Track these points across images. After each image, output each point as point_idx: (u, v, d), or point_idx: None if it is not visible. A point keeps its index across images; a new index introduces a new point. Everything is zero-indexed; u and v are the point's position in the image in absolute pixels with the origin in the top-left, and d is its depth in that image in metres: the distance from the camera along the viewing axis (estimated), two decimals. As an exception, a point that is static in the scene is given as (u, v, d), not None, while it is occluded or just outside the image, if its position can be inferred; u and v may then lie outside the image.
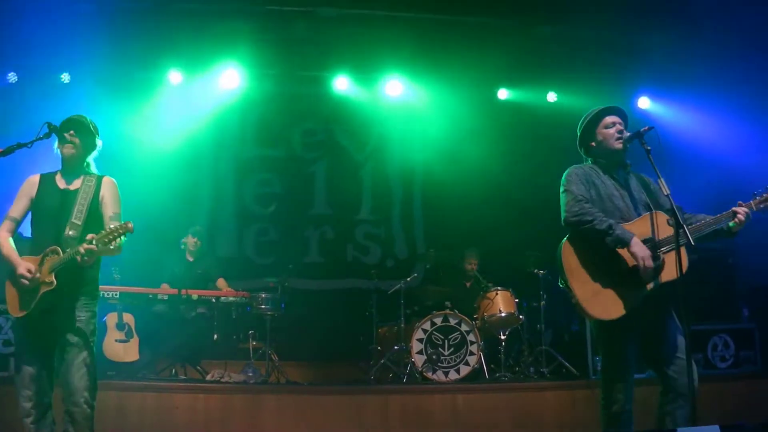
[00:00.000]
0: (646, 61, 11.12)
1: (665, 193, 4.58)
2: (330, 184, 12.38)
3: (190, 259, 9.80)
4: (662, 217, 4.74)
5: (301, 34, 10.85)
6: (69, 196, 5.16)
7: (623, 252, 4.69)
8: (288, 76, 11.58)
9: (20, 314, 4.94)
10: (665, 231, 4.68)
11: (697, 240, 4.57)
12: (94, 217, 5.16)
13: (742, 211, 4.75)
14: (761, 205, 4.81)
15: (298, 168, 12.37)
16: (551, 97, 11.96)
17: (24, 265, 4.92)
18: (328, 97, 12.02)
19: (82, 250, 4.80)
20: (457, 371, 8.83)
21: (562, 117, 10.61)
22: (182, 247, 9.75)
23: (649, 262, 4.59)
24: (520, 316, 9.39)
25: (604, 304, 4.68)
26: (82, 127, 5.21)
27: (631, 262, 4.66)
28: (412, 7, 10.39)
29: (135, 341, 8.84)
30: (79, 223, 5.06)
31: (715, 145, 10.37)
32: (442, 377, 8.79)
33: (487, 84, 11.83)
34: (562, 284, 4.89)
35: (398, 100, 11.89)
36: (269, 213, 12.13)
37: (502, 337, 9.20)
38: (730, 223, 4.76)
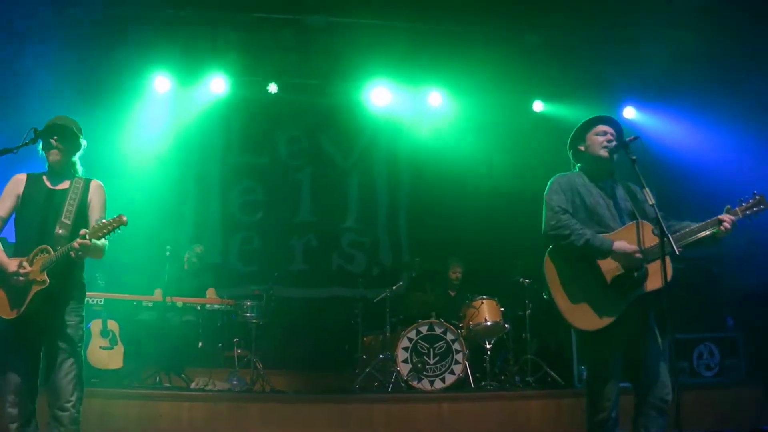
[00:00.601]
0: (632, 71, 11.15)
1: (650, 203, 4.58)
2: (315, 191, 12.35)
3: (187, 268, 9.80)
4: (648, 227, 4.75)
5: (288, 41, 10.85)
6: (57, 196, 5.17)
7: (604, 264, 4.71)
8: (274, 83, 11.55)
9: (11, 315, 4.90)
10: (650, 240, 4.68)
11: (683, 247, 4.58)
12: (82, 219, 5.18)
13: (728, 219, 4.75)
14: (747, 212, 4.82)
15: (283, 175, 12.33)
16: (537, 106, 11.99)
17: (14, 263, 4.89)
18: (313, 105, 12.03)
19: (76, 245, 4.81)
20: (443, 380, 8.80)
21: (549, 126, 10.68)
22: (167, 254, 9.67)
23: (638, 255, 4.62)
24: (506, 325, 9.37)
25: (587, 316, 4.70)
26: (66, 131, 5.22)
27: (610, 273, 4.68)
28: (399, 15, 10.43)
29: (119, 348, 8.78)
30: (69, 222, 5.08)
31: (702, 154, 10.40)
32: (428, 386, 8.76)
33: (475, 92, 11.83)
34: (546, 296, 4.91)
35: (384, 108, 11.89)
36: (254, 221, 12.09)
37: (488, 346, 9.20)
38: (715, 230, 4.77)
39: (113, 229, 4.89)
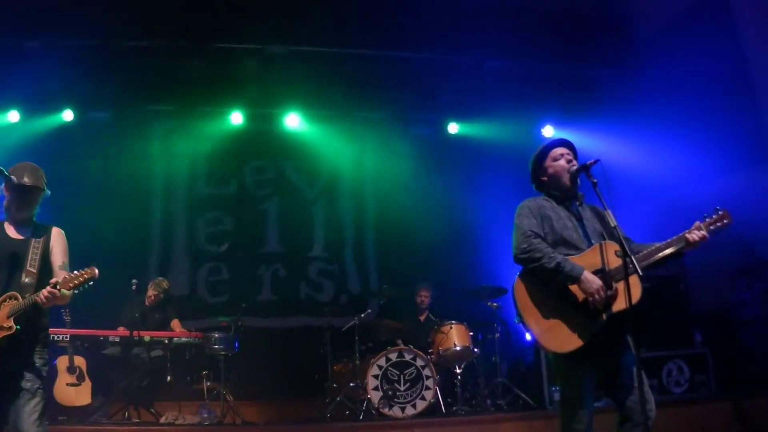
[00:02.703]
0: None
1: (612, 225, 4.57)
2: (282, 221, 12.34)
3: (148, 303, 9.68)
4: (612, 248, 4.73)
5: (251, 71, 10.88)
6: (20, 245, 5.14)
7: (574, 287, 4.71)
8: (238, 112, 11.56)
9: None
10: (615, 261, 4.68)
11: (647, 267, 4.59)
12: (47, 266, 5.16)
13: (699, 235, 4.76)
14: (712, 227, 4.82)
15: (249, 206, 12.32)
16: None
17: None
18: (278, 135, 12.04)
19: (46, 293, 4.79)
20: (414, 406, 8.76)
21: (515, 153, 10.75)
22: (133, 288, 9.58)
23: (601, 295, 4.60)
24: (475, 350, 9.38)
25: (559, 338, 4.67)
26: (35, 193, 5.23)
27: (582, 295, 4.68)
28: (357, 44, 10.51)
29: (87, 384, 8.67)
30: (35, 270, 5.06)
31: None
32: (399, 413, 8.73)
33: (437, 118, 11.90)
34: (517, 321, 4.89)
35: (347, 137, 11.94)
36: (221, 251, 12.04)
37: (458, 371, 9.21)
38: (681, 246, 4.77)
39: (84, 282, 4.87)
